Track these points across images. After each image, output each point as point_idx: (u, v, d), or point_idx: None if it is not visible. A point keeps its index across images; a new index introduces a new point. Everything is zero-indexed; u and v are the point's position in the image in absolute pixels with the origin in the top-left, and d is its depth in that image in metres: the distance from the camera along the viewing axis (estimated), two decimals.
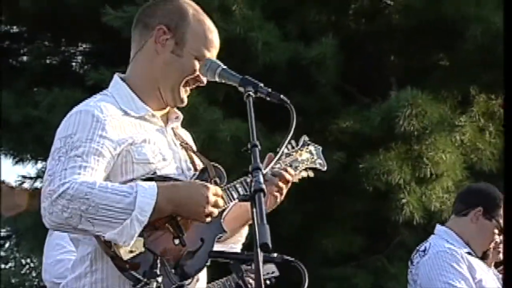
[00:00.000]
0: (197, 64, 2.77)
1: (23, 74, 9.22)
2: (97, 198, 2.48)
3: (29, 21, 9.30)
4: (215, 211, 2.61)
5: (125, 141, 2.65)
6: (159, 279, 2.51)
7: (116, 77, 2.83)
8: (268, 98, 2.65)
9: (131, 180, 2.60)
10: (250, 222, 2.44)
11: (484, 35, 7.48)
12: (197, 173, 2.77)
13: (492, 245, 4.32)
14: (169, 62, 2.76)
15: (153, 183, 2.56)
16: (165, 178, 2.66)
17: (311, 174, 3.14)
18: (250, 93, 2.61)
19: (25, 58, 9.78)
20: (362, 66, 8.36)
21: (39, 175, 9.95)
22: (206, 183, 2.64)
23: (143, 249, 2.54)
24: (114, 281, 2.60)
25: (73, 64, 9.84)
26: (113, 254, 2.54)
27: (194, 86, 2.83)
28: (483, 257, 4.31)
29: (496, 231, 4.30)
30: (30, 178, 10.12)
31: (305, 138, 3.15)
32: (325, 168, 3.15)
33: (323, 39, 7.61)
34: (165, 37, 2.77)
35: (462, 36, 7.62)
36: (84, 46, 9.76)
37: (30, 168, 10.03)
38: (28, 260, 18.46)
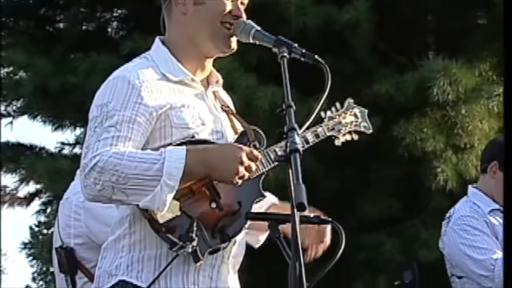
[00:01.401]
0: (225, 1, 2.75)
1: (60, 41, 9.27)
2: (126, 168, 2.50)
3: None
4: (246, 174, 2.58)
5: (163, 106, 2.65)
6: (194, 242, 2.53)
7: (158, 40, 2.83)
8: (302, 59, 2.64)
9: (169, 145, 2.61)
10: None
11: None
12: (236, 136, 2.78)
13: None
14: (196, 14, 2.75)
15: (182, 147, 2.56)
16: (203, 142, 2.66)
17: (355, 137, 3.09)
18: (285, 53, 2.60)
19: (61, 25, 9.82)
20: (398, 27, 8.28)
21: (78, 141, 10.05)
22: (240, 145, 2.62)
23: (179, 213, 2.56)
24: (151, 242, 2.62)
25: (109, 30, 9.87)
26: (149, 217, 2.57)
27: (234, 21, 2.76)
28: None
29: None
30: (69, 144, 10.22)
31: (349, 100, 3.12)
32: (371, 131, 3.10)
33: (355, 2, 7.53)
34: None
35: None
36: (119, 11, 9.78)
37: (69, 135, 10.10)
38: None
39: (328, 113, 3.03)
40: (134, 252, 2.64)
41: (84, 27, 9.62)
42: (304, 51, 2.64)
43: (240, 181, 2.58)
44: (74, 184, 4.18)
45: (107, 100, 2.63)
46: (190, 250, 2.53)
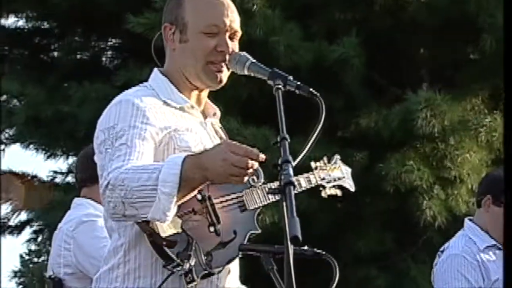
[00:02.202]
0: (209, 39, 2.74)
1: (54, 70, 9.29)
2: (131, 181, 2.46)
3: (59, 17, 9.37)
4: (237, 171, 2.45)
5: (168, 128, 2.65)
6: (192, 261, 2.52)
7: (156, 70, 2.84)
8: (297, 91, 2.64)
9: None
10: None
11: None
12: None
13: None
14: (182, 52, 2.76)
15: (182, 154, 2.51)
16: None
17: (339, 192, 3.20)
18: (280, 86, 2.60)
19: (55, 53, 9.85)
20: (391, 60, 8.33)
21: (71, 170, 10.02)
22: (233, 142, 2.51)
23: (180, 230, 2.54)
24: (146, 271, 2.61)
25: (103, 59, 9.90)
26: (151, 231, 2.54)
27: (222, 61, 2.75)
28: None
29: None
30: (62, 173, 10.19)
31: (337, 156, 3.21)
32: (353, 189, 3.21)
33: (344, 39, 7.57)
34: (170, 32, 2.78)
35: (485, 33, 7.54)
36: (114, 41, 9.81)
37: (61, 163, 10.09)
38: None
39: (318, 163, 3.10)
40: (129, 282, 2.62)
41: (78, 56, 9.65)
42: (299, 83, 2.64)
43: (240, 180, 2.48)
44: (69, 213, 4.18)
45: (113, 123, 2.62)
46: (187, 268, 2.51)
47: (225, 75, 2.79)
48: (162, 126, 2.65)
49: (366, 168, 7.58)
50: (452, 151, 7.63)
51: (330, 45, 7.65)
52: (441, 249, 4.28)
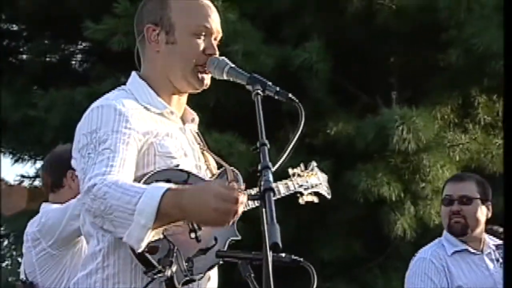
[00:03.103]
0: (198, 41, 2.72)
1: (23, 73, 9.20)
2: (112, 198, 2.41)
3: (28, 19, 9.28)
4: (226, 220, 2.42)
5: (149, 133, 2.62)
6: (174, 268, 2.48)
7: (134, 74, 2.80)
8: (276, 97, 2.62)
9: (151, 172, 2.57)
10: None
11: (473, 44, 7.48)
12: (216, 175, 2.75)
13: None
14: (168, 54, 2.73)
15: (166, 185, 2.45)
16: (187, 172, 2.62)
17: (316, 199, 3.18)
18: (259, 91, 2.58)
19: (24, 56, 9.76)
20: (361, 67, 8.35)
21: (38, 175, 9.93)
22: (219, 189, 2.41)
23: (161, 236, 2.50)
24: (125, 276, 2.57)
25: (73, 62, 9.82)
26: None
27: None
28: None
29: (447, 210, 4.33)
30: (29, 177, 10.10)
31: (314, 163, 3.20)
32: (330, 196, 3.22)
33: (307, 43, 7.55)
34: (155, 33, 2.74)
35: (455, 42, 7.61)
36: (84, 44, 9.74)
37: (29, 168, 10.02)
38: None
39: (295, 170, 3.08)
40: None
41: (47, 59, 9.56)
42: (278, 89, 2.62)
43: (227, 225, 2.46)
44: (35, 218, 4.15)
45: (95, 127, 2.57)
46: (169, 274, 2.48)
47: (208, 78, 2.76)
48: (144, 131, 2.61)
49: (333, 176, 7.57)
50: (425, 167, 7.66)
51: (293, 50, 7.63)
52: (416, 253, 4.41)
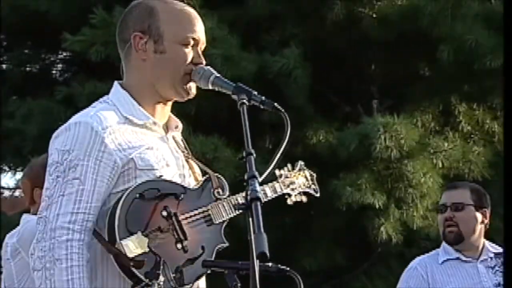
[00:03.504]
0: (186, 51, 2.71)
1: (3, 83, 9.13)
2: (60, 274, 2.46)
3: (8, 28, 9.23)
4: None
5: (128, 149, 2.61)
6: (161, 281, 2.48)
7: (116, 84, 2.77)
8: (261, 106, 2.62)
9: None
10: None
11: (457, 52, 7.52)
12: (201, 182, 2.74)
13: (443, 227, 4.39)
14: (156, 63, 2.71)
15: None
16: (171, 182, 2.63)
17: (304, 199, 3.15)
18: (244, 101, 2.58)
19: (4, 66, 9.70)
20: (342, 76, 8.36)
21: (18, 186, 9.87)
22: None
23: (147, 249, 2.51)
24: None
25: (54, 72, 9.77)
26: (117, 252, 2.50)
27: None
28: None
29: (441, 218, 4.37)
30: (9, 188, 10.05)
31: (301, 162, 3.16)
32: (318, 194, 3.17)
33: (285, 50, 7.56)
34: (142, 41, 2.72)
35: (438, 49, 7.64)
36: (64, 54, 9.70)
37: (8, 179, 9.97)
38: None
39: (282, 171, 3.06)
40: None
41: (28, 69, 9.51)
42: (263, 98, 2.62)
43: None
44: (16, 229, 4.12)
45: (69, 147, 2.57)
46: (156, 287, 2.47)
47: (194, 87, 2.76)
48: (121, 148, 2.60)
49: (318, 184, 7.54)
50: (408, 173, 7.68)
51: (272, 57, 7.63)
52: None
